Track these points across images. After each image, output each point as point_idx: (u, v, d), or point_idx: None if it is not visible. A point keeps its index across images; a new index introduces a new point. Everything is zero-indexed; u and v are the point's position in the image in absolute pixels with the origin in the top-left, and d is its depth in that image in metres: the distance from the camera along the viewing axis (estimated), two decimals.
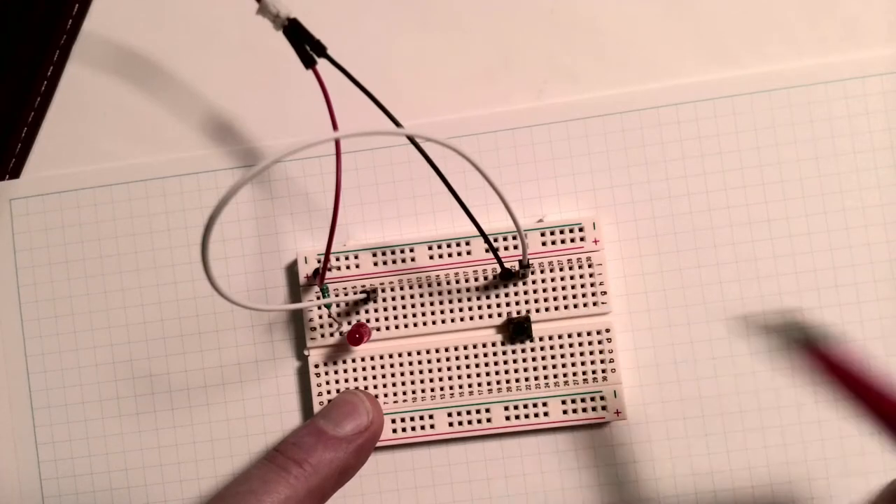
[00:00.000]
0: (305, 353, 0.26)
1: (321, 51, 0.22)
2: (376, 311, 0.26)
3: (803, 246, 0.25)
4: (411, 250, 0.26)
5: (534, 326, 0.25)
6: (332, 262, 0.26)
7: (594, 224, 0.25)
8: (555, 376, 0.25)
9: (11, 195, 0.27)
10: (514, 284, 0.25)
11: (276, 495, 0.22)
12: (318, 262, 0.26)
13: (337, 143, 0.23)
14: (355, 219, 0.26)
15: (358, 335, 0.24)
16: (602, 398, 0.25)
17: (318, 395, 0.26)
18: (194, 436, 0.26)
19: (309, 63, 0.22)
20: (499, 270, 0.25)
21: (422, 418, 0.25)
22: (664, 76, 0.26)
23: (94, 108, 0.27)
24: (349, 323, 0.26)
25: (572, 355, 0.25)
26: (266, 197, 0.27)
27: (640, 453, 0.25)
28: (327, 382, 0.26)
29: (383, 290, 0.26)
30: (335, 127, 0.23)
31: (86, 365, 0.27)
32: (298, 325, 0.26)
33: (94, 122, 0.27)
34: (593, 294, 0.25)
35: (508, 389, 0.25)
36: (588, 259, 0.25)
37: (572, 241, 0.25)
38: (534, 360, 0.25)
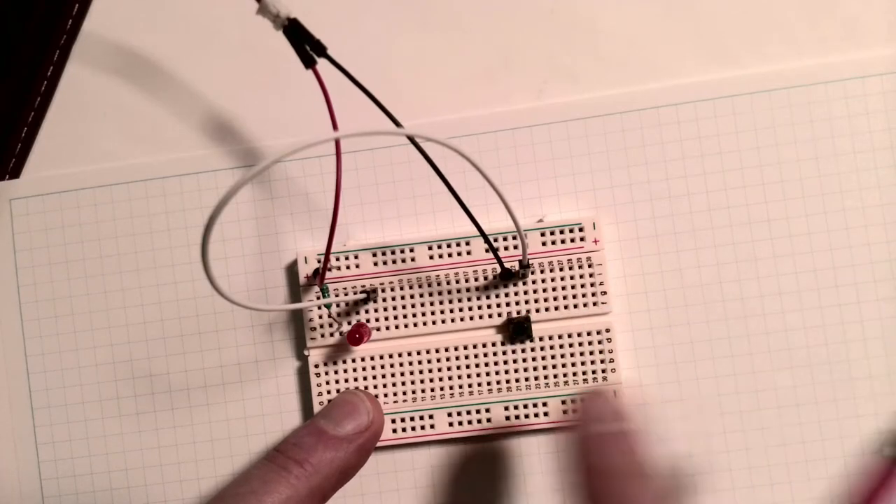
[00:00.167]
0: (305, 353, 0.26)
1: (321, 51, 0.22)
2: (376, 311, 0.26)
3: (803, 246, 0.25)
4: (411, 250, 0.26)
5: (534, 326, 0.25)
6: (332, 262, 0.26)
7: (594, 224, 0.25)
8: (555, 376, 0.25)
9: (11, 195, 0.27)
10: (514, 284, 0.25)
11: (277, 495, 0.22)
12: (318, 262, 0.26)
13: (337, 143, 0.23)
14: (355, 219, 0.26)
15: (358, 335, 0.24)
16: None
17: (318, 395, 0.26)
18: (194, 436, 0.26)
19: (309, 63, 0.22)
20: (499, 270, 0.25)
21: (422, 418, 0.25)
22: (664, 76, 0.26)
23: (94, 108, 0.27)
24: (349, 323, 0.26)
25: (572, 355, 0.25)
26: (266, 197, 0.27)
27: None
28: (327, 382, 0.26)
29: (383, 290, 0.26)
30: (335, 127, 0.23)
31: (86, 365, 0.27)
32: (298, 325, 0.26)
33: (94, 122, 0.27)
34: (593, 294, 0.25)
35: (508, 389, 0.25)
36: (588, 259, 0.25)
37: (572, 241, 0.25)
38: (534, 360, 0.25)
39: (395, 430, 0.25)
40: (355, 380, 0.26)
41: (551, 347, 0.25)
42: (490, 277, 0.25)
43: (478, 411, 0.25)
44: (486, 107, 0.26)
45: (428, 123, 0.26)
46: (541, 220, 0.26)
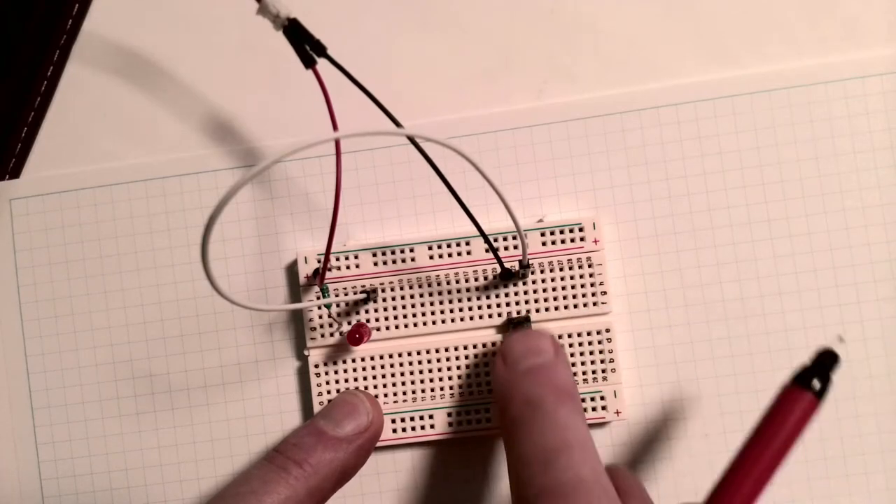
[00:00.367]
0: (305, 353, 0.26)
1: (321, 51, 0.22)
2: (376, 311, 0.26)
3: (803, 246, 0.25)
4: (411, 250, 0.26)
5: (534, 326, 0.25)
6: (332, 262, 0.26)
7: (594, 224, 0.25)
8: None
9: (11, 195, 0.27)
10: (514, 284, 0.25)
11: (277, 495, 0.22)
12: (318, 262, 0.26)
13: (337, 143, 0.23)
14: (355, 219, 0.26)
15: (358, 335, 0.24)
16: (602, 398, 0.25)
17: (318, 395, 0.26)
18: (194, 436, 0.26)
19: (309, 63, 0.22)
20: (499, 270, 0.25)
21: (422, 418, 0.25)
22: (664, 76, 0.26)
23: (94, 108, 0.27)
24: (349, 323, 0.26)
25: (572, 355, 0.25)
26: (266, 197, 0.27)
27: (640, 453, 0.25)
28: (327, 382, 0.26)
29: (383, 290, 0.26)
30: (335, 127, 0.23)
31: (86, 365, 0.27)
32: (298, 325, 0.26)
33: (94, 122, 0.27)
34: (593, 294, 0.25)
35: None
36: (588, 259, 0.25)
37: (572, 241, 0.25)
38: None
39: (394, 430, 0.25)
40: (355, 380, 0.26)
41: None
42: (490, 277, 0.25)
43: (477, 411, 0.25)
44: (486, 107, 0.26)
45: (428, 123, 0.26)
46: (541, 220, 0.26)
